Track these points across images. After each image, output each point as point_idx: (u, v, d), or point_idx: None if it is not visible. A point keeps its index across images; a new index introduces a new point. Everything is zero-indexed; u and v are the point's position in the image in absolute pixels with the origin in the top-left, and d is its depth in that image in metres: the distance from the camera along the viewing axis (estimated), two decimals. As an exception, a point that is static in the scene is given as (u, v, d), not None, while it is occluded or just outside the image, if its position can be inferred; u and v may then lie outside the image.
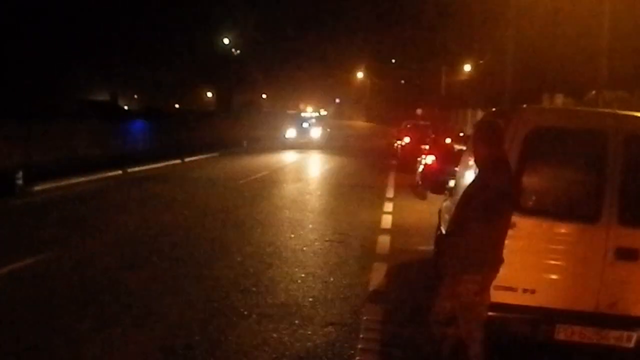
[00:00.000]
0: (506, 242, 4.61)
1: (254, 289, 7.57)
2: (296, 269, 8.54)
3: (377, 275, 8.33)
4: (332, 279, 8.09)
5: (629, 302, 5.13)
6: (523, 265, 5.18)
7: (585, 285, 5.17)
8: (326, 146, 34.79)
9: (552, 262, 5.25)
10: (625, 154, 5.09)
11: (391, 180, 19.32)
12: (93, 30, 50.97)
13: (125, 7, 55.09)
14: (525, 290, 5.19)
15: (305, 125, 36.16)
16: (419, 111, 54.18)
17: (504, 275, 4.72)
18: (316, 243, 10.27)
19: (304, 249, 9.81)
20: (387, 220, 12.44)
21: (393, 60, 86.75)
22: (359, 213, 13.31)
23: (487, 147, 4.64)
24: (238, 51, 70.26)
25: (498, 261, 4.58)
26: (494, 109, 7.52)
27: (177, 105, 76.35)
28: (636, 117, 5.51)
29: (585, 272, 5.15)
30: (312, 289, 7.63)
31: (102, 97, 59.96)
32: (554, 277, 5.24)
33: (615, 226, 5.05)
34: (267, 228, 11.48)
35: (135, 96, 78.15)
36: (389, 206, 14.22)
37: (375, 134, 55.96)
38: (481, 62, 46.42)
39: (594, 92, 22.23)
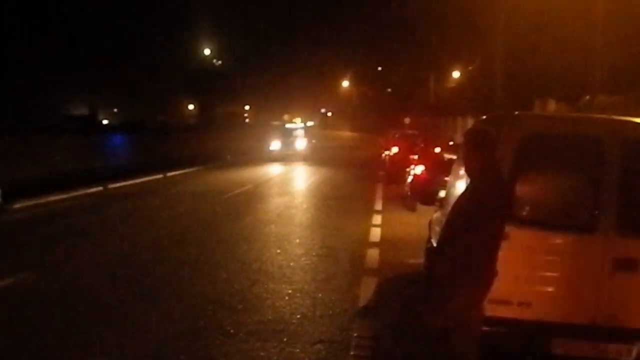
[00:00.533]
0: (500, 254, 4.55)
1: (240, 306, 7.49)
2: (283, 285, 8.46)
3: (367, 290, 8.26)
4: (320, 295, 8.02)
5: (629, 314, 5.09)
6: (518, 277, 5.14)
7: (582, 298, 5.13)
8: (312, 158, 34.75)
9: (548, 273, 5.21)
10: (622, 161, 5.05)
11: (379, 192, 19.27)
12: (71, 43, 50.83)
13: (103, 17, 54.95)
14: (520, 304, 5.14)
15: (290, 136, 36.08)
16: (406, 120, 54.26)
17: (498, 288, 4.66)
18: (303, 258, 10.19)
19: (291, 264, 9.73)
20: (375, 233, 12.37)
21: (379, 68, 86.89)
22: (346, 226, 13.25)
23: (478, 156, 4.59)
24: (220, 62, 70.25)
25: (492, 274, 4.52)
26: (484, 116, 7.48)
27: (161, 119, 76.15)
28: (633, 122, 5.47)
29: (583, 283, 5.11)
30: (300, 306, 7.55)
31: (82, 111, 59.82)
32: (550, 289, 5.20)
33: (613, 236, 5.01)
34: (252, 243, 11.40)
35: (115, 110, 77.87)
36: (377, 218, 14.16)
37: (362, 144, 56.04)
38: (470, 68, 46.58)
39: (587, 97, 22.30)
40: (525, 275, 5.19)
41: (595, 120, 6.11)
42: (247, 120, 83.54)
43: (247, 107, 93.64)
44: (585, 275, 5.09)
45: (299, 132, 37.63)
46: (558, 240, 5.20)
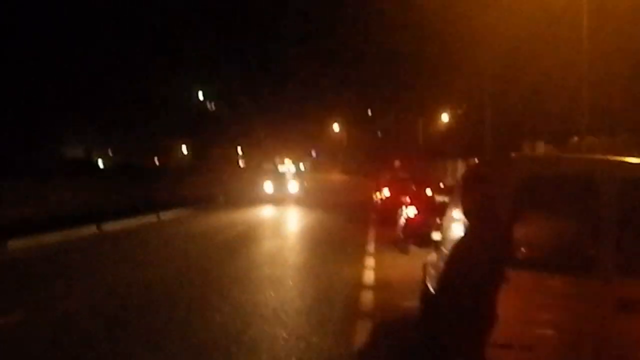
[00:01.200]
0: (500, 296, 4.46)
1: (235, 350, 7.33)
2: (277, 329, 8.29)
3: (362, 334, 8.11)
4: (314, 339, 7.85)
5: (632, 356, 4.97)
6: (518, 321, 5.03)
7: (585, 340, 5.02)
8: (304, 200, 34.69)
9: (549, 316, 5.11)
10: (620, 201, 5.00)
11: (371, 234, 19.14)
12: (66, 85, 50.92)
13: (98, 60, 55.19)
14: (522, 348, 5.03)
15: (282, 179, 36.08)
16: (396, 163, 54.37)
17: (499, 331, 4.56)
18: (297, 301, 10.05)
19: (285, 307, 9.57)
20: (369, 276, 12.23)
21: (369, 112, 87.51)
22: (340, 269, 13.10)
23: (476, 198, 4.52)
24: (213, 105, 70.56)
25: (492, 318, 4.43)
26: (477, 159, 7.46)
27: (156, 161, 76.16)
28: (629, 162, 5.45)
29: (585, 326, 5.01)
30: (295, 350, 7.39)
31: (76, 152, 59.75)
32: (550, 332, 5.09)
33: (612, 276, 4.93)
34: (246, 285, 11.24)
35: (110, 151, 77.91)
36: (370, 261, 14.01)
37: (353, 186, 55.94)
38: (459, 111, 46.95)
39: (575, 138, 22.42)
40: (526, 319, 5.09)
41: (591, 160, 6.07)
42: (240, 162, 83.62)
43: (239, 150, 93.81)
44: (586, 318, 5.00)
45: (291, 174, 37.69)
46: (557, 282, 5.11)
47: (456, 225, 6.00)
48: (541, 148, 27.52)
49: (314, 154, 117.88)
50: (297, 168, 44.20)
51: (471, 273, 4.31)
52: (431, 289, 6.98)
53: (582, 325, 5.02)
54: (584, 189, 5.16)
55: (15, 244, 15.55)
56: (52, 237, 17.03)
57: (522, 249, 5.15)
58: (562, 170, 5.40)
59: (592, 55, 19.23)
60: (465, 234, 4.57)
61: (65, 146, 58.60)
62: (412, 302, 9.02)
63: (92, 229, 19.14)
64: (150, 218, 23.47)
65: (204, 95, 66.90)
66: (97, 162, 64.55)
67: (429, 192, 19.51)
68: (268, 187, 35.03)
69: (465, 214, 4.63)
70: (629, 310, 4.92)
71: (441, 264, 5.35)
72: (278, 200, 33.42)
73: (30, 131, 45.41)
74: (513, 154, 6.06)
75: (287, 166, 45.89)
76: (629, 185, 5.08)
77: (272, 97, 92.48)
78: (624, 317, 4.94)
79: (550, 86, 26.54)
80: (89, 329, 8.32)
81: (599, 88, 21.20)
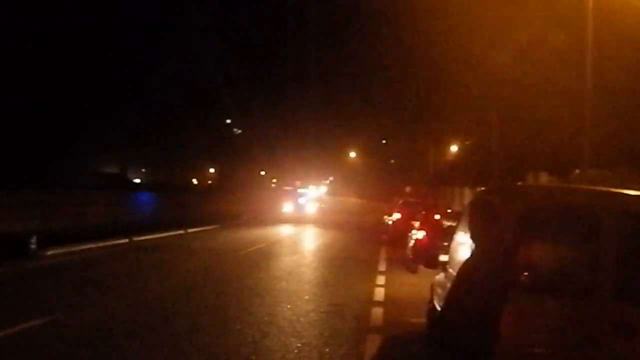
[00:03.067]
0: (503, 317, 4.41)
1: (253, 357, 7.27)
2: (293, 339, 8.24)
3: (372, 347, 8.03)
4: (327, 350, 7.78)
5: None
6: (520, 341, 4.95)
7: None
8: (321, 221, 34.64)
9: (550, 339, 5.03)
10: (619, 231, 4.94)
11: (383, 254, 19.09)
12: (107, 105, 51.48)
13: (136, 86, 55.81)
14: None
15: (301, 200, 36.11)
16: (408, 189, 54.34)
17: (500, 350, 4.50)
18: (312, 314, 9.99)
19: (300, 319, 9.52)
20: (379, 293, 12.16)
21: (384, 141, 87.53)
22: (352, 285, 13.04)
23: (482, 225, 4.50)
24: (240, 131, 70.85)
25: (495, 338, 4.37)
26: (484, 187, 7.42)
27: (194, 181, 76.67)
28: (628, 195, 5.40)
29: (584, 349, 4.92)
30: (309, 359, 7.34)
31: (112, 169, 60.27)
32: (551, 354, 5.01)
33: (611, 302, 4.86)
34: (264, 298, 11.21)
35: (144, 170, 78.53)
36: (381, 279, 13.95)
37: (367, 209, 55.80)
38: (467, 142, 46.81)
39: (577, 171, 22.26)
40: (527, 341, 5.01)
41: (594, 192, 6.00)
42: (263, 184, 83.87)
43: (263, 173, 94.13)
44: (584, 340, 4.91)
45: (310, 197, 37.70)
46: (557, 305, 5.04)
47: (462, 248, 5.95)
48: (544, 178, 27.32)
49: (331, 178, 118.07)
50: (316, 191, 44.13)
51: (476, 293, 4.28)
52: (438, 307, 6.93)
53: (580, 346, 4.94)
54: (584, 218, 5.11)
55: (54, 251, 15.70)
56: (87, 246, 17.18)
57: (525, 273, 5.09)
58: (564, 200, 5.35)
59: (595, 91, 19.11)
60: (472, 256, 4.54)
61: (103, 163, 59.17)
62: (420, 319, 8.98)
63: (124, 240, 19.25)
64: (179, 232, 23.55)
65: (231, 121, 67.13)
66: (132, 179, 64.95)
67: (437, 216, 19.41)
68: (288, 207, 35.08)
69: (472, 237, 4.60)
70: (625, 333, 4.84)
71: (448, 284, 5.31)
72: (297, 220, 33.40)
73: (70, 147, 45.86)
74: (519, 184, 6.02)
75: (306, 189, 45.90)
76: (627, 216, 5.03)
77: (294, 126, 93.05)
78: (621, 340, 4.85)
79: (554, 120, 26.40)
80: (115, 332, 8.34)
81: (601, 122, 21.07)
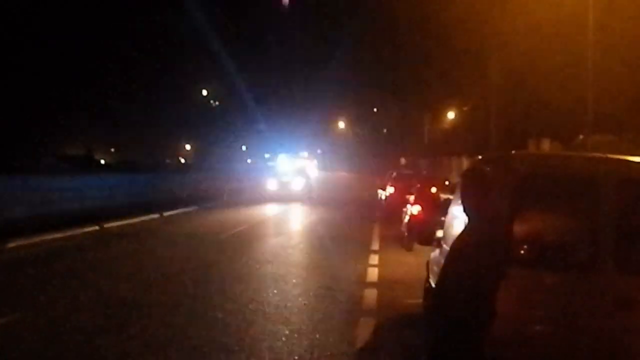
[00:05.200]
0: (499, 294, 4.52)
1: (236, 347, 7.39)
2: (280, 326, 8.37)
3: (365, 331, 8.18)
4: (317, 336, 7.93)
5: (630, 353, 5.03)
6: (517, 318, 5.09)
7: (582, 337, 5.07)
8: (308, 197, 34.64)
9: (547, 313, 5.17)
10: (619, 199, 5.06)
11: (376, 232, 19.23)
12: (68, 84, 51.02)
13: (100, 57, 55.27)
14: (520, 344, 5.08)
15: (286, 176, 35.81)
16: (402, 160, 54.48)
17: (497, 328, 4.62)
18: (300, 298, 10.12)
19: (288, 304, 9.65)
20: (373, 273, 12.32)
21: (375, 109, 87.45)
22: (343, 266, 13.16)
23: (475, 195, 4.57)
24: (217, 103, 70.52)
25: (491, 315, 4.49)
26: (481, 156, 7.53)
27: (167, 160, 76.34)
28: (628, 161, 5.50)
29: (582, 323, 5.07)
30: (297, 347, 7.46)
31: (78, 150, 59.93)
32: (549, 329, 5.15)
33: (612, 274, 4.99)
34: (248, 284, 11.33)
35: (113, 149, 78.12)
36: (374, 258, 14.10)
37: (358, 183, 55.98)
38: (465, 108, 46.92)
39: (581, 137, 22.44)
40: (524, 316, 5.15)
41: (592, 159, 6.10)
42: (244, 160, 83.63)
43: (244, 148, 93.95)
44: (585, 315, 5.05)
45: (296, 172, 37.43)
46: (556, 279, 5.17)
47: (457, 222, 6.06)
48: (547, 146, 27.50)
49: (319, 151, 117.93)
50: (303, 165, 43.94)
51: (470, 270, 4.38)
52: (434, 286, 7.05)
53: (580, 322, 5.08)
54: (583, 187, 5.21)
55: (16, 243, 15.59)
56: (53, 236, 17.09)
57: (521, 247, 5.21)
58: (561, 168, 5.45)
59: (597, 54, 19.25)
60: (465, 230, 4.63)
61: (67, 144, 58.78)
62: (416, 300, 9.13)
63: (94, 228, 19.21)
64: (154, 216, 23.54)
65: (207, 93, 66.71)
66: (98, 160, 64.68)
67: (434, 189, 19.54)
68: (272, 184, 34.93)
69: (465, 210, 4.68)
70: (627, 307, 4.98)
71: (442, 261, 5.42)
72: (282, 198, 33.34)
73: (30, 129, 45.54)
74: (513, 152, 6.12)
75: (292, 164, 45.75)
76: (628, 184, 5.14)
77: (276, 95, 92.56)
78: (622, 314, 5.00)
79: (556, 84, 26.51)
80: (87, 327, 8.37)
81: (605, 87, 21.21)
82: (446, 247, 6.32)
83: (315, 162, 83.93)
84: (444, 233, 7.42)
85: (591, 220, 5.10)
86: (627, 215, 5.11)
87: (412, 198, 17.64)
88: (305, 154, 60.00)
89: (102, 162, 68.03)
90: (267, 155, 51.69)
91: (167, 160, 75.46)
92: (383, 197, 27.80)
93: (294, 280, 11.70)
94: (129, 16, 60.75)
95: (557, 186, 5.27)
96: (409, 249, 15.25)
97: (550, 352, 5.11)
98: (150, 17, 63.25)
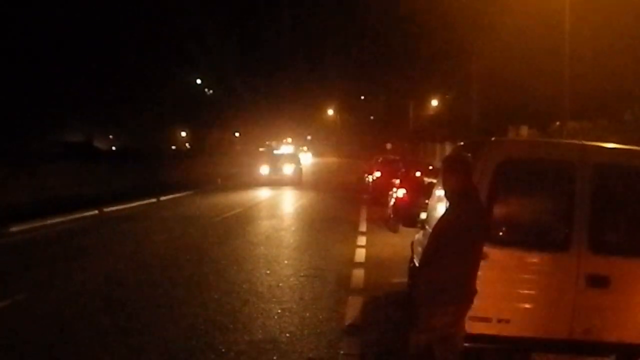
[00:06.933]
0: (479, 273, 4.57)
1: (231, 326, 7.44)
2: (272, 305, 8.42)
3: (353, 309, 8.25)
4: (308, 314, 7.99)
5: (603, 328, 5.12)
6: (496, 295, 5.16)
7: (558, 313, 5.15)
8: (299, 182, 34.66)
9: (525, 291, 5.24)
10: (593, 184, 5.12)
11: (363, 214, 19.28)
12: (66, 71, 50.68)
13: (100, 46, 54.95)
14: (499, 321, 5.15)
15: (277, 162, 35.81)
16: (388, 146, 54.55)
17: (478, 306, 4.68)
18: (291, 278, 10.16)
19: (280, 284, 9.69)
20: (360, 254, 12.37)
21: (362, 97, 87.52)
22: (332, 247, 13.23)
23: (456, 180, 4.61)
24: (211, 91, 70.26)
25: (471, 292, 4.54)
26: (462, 142, 7.56)
27: (173, 147, 75.86)
28: (603, 147, 5.56)
29: (558, 300, 5.14)
30: (289, 325, 7.52)
31: (77, 137, 59.63)
32: (527, 306, 5.22)
33: (585, 254, 5.06)
34: (242, 265, 11.34)
35: (111, 136, 77.75)
36: (362, 240, 14.16)
37: (347, 168, 56.01)
38: (447, 96, 46.99)
39: (558, 123, 22.53)
40: (503, 293, 5.21)
41: (568, 145, 6.17)
42: (237, 146, 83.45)
43: (236, 134, 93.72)
44: (561, 292, 5.13)
45: (286, 157, 37.47)
46: (534, 259, 5.23)
47: (439, 205, 6.10)
48: (525, 132, 27.61)
49: (309, 138, 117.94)
50: (294, 151, 43.85)
51: (450, 250, 4.42)
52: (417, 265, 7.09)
53: (556, 299, 5.15)
54: (560, 171, 5.27)
55: (18, 227, 15.56)
56: (54, 220, 17.06)
57: (501, 228, 5.26)
58: (539, 154, 5.50)
59: (574, 44, 19.29)
60: (446, 212, 4.67)
61: (66, 131, 58.45)
62: (402, 279, 9.17)
63: (93, 212, 19.17)
64: (151, 200, 23.50)
65: (201, 82, 66.44)
66: (97, 146, 64.35)
67: (418, 173, 19.61)
68: (264, 169, 34.91)
69: (447, 194, 4.72)
70: (599, 285, 5.05)
71: (425, 241, 5.46)
72: (274, 182, 33.34)
73: (31, 117, 45.25)
74: (492, 138, 6.15)
75: (282, 149, 45.74)
76: (602, 169, 5.20)
77: (268, 83, 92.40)
78: (595, 291, 5.07)
79: (534, 73, 26.59)
80: (88, 308, 8.42)
81: (581, 75, 21.29)
82: (429, 229, 6.37)
83: (305, 148, 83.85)
84: (427, 215, 7.46)
85: (567, 203, 5.16)
86: (601, 198, 5.17)
87: (397, 182, 17.71)
88: (289, 139, 60.00)
89: (103, 148, 67.66)
90: (261, 149, 51.57)
91: (173, 147, 75.01)
92: (370, 181, 27.83)
93: (285, 261, 11.74)
94: (129, 17, 60.43)
95: (534, 170, 5.32)
96: (395, 230, 15.32)
97: (528, 326, 5.18)
98: (146, 7, 62.91)
